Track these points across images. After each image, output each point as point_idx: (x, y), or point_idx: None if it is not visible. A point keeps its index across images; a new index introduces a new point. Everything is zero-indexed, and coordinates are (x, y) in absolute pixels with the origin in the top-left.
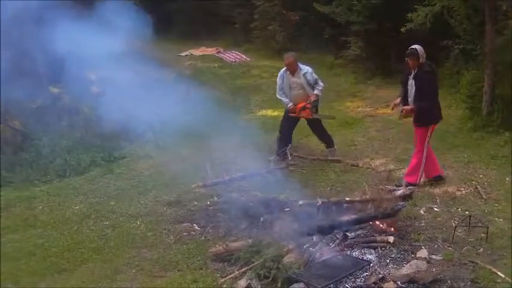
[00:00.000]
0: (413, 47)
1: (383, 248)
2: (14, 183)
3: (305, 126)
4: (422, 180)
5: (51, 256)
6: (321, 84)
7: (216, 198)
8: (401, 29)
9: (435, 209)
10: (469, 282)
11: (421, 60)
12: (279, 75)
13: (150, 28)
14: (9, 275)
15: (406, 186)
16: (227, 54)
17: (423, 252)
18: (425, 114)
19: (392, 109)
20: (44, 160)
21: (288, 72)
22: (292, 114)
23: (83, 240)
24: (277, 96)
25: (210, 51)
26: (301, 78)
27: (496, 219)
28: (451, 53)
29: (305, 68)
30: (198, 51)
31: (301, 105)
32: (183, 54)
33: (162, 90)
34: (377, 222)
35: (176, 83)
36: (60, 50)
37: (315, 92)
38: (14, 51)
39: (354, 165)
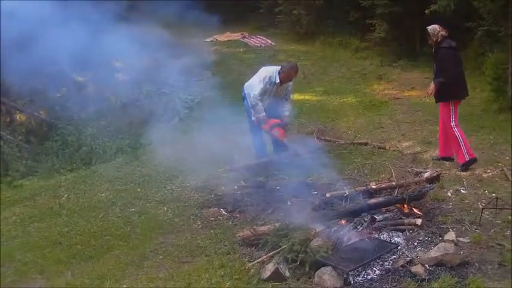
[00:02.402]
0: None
1: (411, 231)
2: (40, 173)
3: (331, 110)
4: (435, 155)
5: (77, 244)
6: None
7: (243, 183)
8: (426, 11)
9: (462, 191)
10: (496, 265)
11: (434, 39)
12: (268, 79)
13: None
14: (35, 264)
15: (461, 168)
16: (252, 39)
17: (451, 235)
18: (444, 90)
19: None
20: (69, 148)
21: (280, 81)
22: (267, 126)
23: (109, 228)
24: (255, 100)
25: (235, 36)
26: (283, 89)
27: None
28: (476, 35)
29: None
30: (223, 37)
31: (275, 121)
32: (208, 39)
33: (187, 76)
34: (404, 205)
35: (201, 69)
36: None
37: (287, 113)
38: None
39: (380, 148)
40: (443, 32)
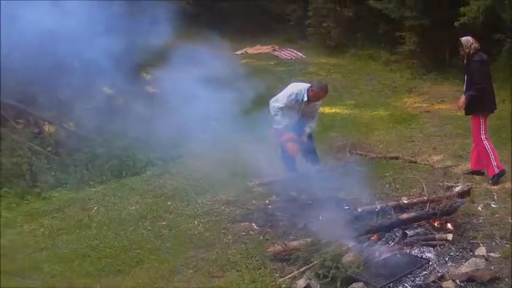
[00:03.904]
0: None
1: (442, 246)
2: (69, 184)
3: (363, 123)
4: (466, 169)
5: (106, 257)
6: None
7: (274, 197)
8: (455, 24)
9: (492, 206)
10: None
11: (466, 51)
12: (295, 96)
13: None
14: (63, 277)
15: (491, 180)
16: (282, 52)
17: (481, 250)
18: (474, 103)
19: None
20: (99, 161)
21: (308, 100)
22: (282, 139)
23: (139, 241)
24: (274, 111)
25: (265, 49)
26: (311, 108)
27: None
28: (504, 47)
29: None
30: (253, 50)
31: (291, 136)
32: (239, 52)
33: (219, 88)
34: (436, 220)
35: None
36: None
37: (308, 130)
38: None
39: (412, 162)
40: (476, 45)
